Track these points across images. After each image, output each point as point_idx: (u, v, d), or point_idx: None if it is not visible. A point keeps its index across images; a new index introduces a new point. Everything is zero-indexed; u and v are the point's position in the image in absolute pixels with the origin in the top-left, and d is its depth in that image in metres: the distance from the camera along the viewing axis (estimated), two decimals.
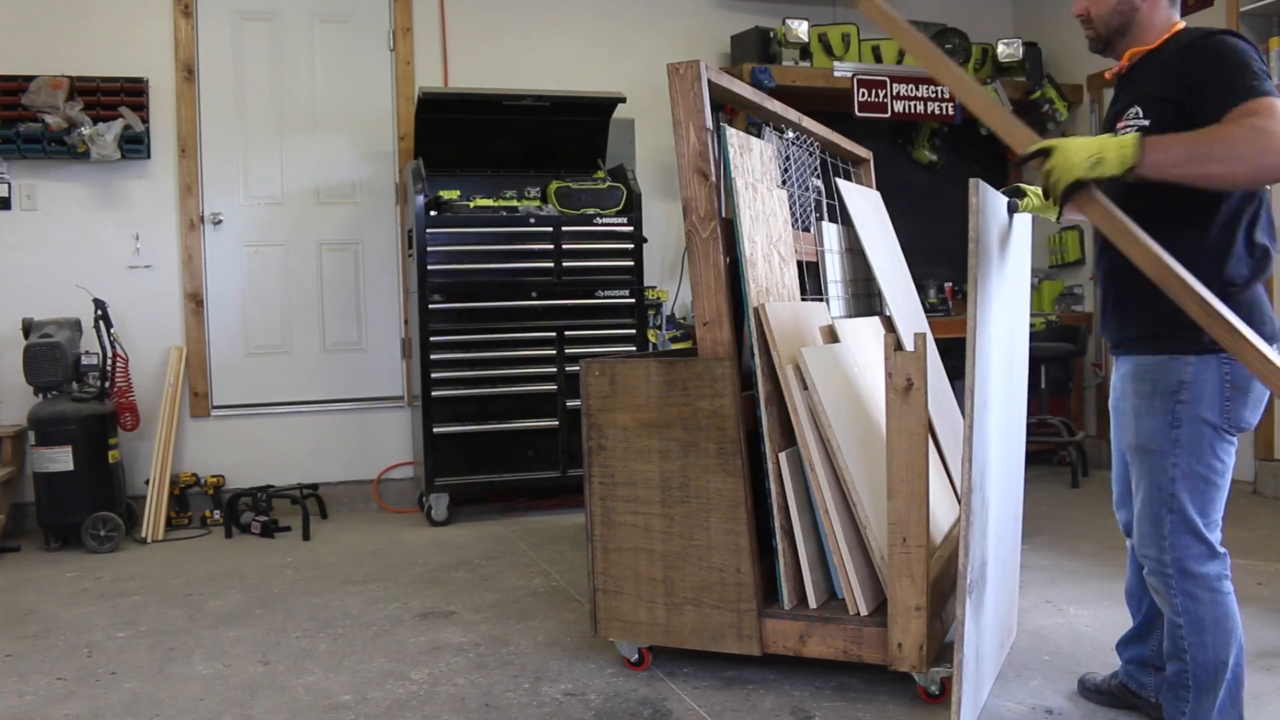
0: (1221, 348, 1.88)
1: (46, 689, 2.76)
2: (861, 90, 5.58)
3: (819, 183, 3.46)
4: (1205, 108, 1.94)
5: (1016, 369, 2.72)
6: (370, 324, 5.37)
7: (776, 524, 2.59)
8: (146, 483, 4.71)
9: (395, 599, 3.54)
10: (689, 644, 2.67)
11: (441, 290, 4.69)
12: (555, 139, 5.15)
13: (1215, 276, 1.97)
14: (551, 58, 5.57)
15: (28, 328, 4.51)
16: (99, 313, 4.60)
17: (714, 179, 2.61)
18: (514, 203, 4.89)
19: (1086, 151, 1.88)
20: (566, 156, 5.21)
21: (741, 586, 2.58)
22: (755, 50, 5.56)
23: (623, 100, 5.07)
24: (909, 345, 2.39)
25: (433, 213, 4.69)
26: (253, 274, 5.20)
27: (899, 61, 5.83)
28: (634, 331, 4.93)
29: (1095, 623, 3.07)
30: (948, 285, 6.05)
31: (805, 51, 5.62)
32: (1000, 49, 5.93)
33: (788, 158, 3.30)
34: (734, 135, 2.75)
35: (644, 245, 4.97)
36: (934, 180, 6.22)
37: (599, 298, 4.89)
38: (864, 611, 2.54)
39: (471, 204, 4.81)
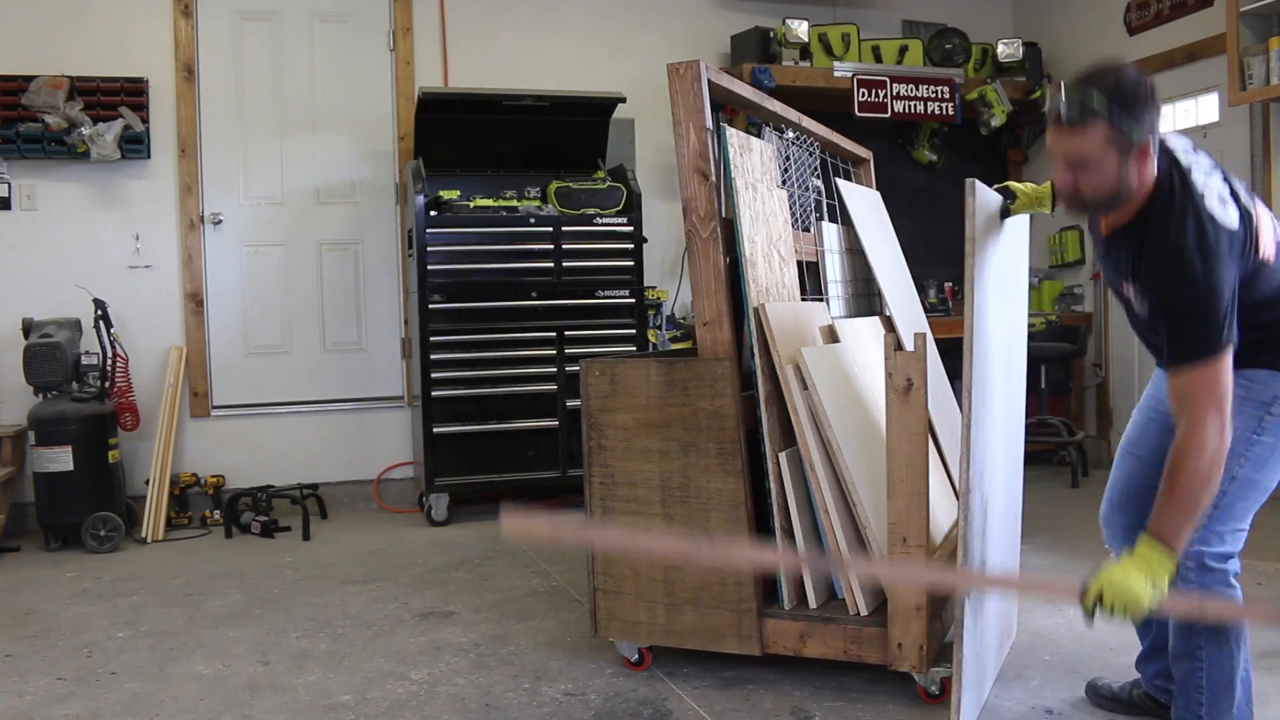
0: None
1: (46, 689, 2.76)
2: (861, 90, 5.58)
3: (819, 183, 3.46)
4: (1166, 343, 2.00)
5: (1015, 368, 2.72)
6: (370, 324, 5.37)
7: (776, 524, 2.59)
8: (146, 483, 4.71)
9: (395, 599, 3.54)
10: (689, 644, 2.67)
11: (441, 290, 4.69)
12: (555, 139, 5.15)
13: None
14: (551, 58, 5.57)
15: (28, 328, 4.51)
16: (99, 313, 4.59)
17: (714, 179, 2.61)
18: (514, 203, 4.89)
19: (1143, 589, 1.90)
20: (566, 156, 5.21)
21: (741, 586, 2.58)
22: (755, 50, 5.56)
23: (623, 100, 5.07)
24: (909, 345, 2.39)
25: (433, 213, 4.69)
26: (253, 274, 5.20)
27: (899, 61, 5.83)
28: (634, 331, 4.93)
29: (1095, 623, 3.07)
30: (948, 285, 6.05)
31: (805, 51, 5.62)
32: (1000, 49, 5.93)
33: (788, 158, 3.30)
34: (734, 135, 2.75)
35: (644, 245, 4.97)
36: (934, 180, 6.22)
37: (599, 298, 4.88)
38: (864, 612, 2.54)
39: (471, 204, 4.81)
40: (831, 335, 2.97)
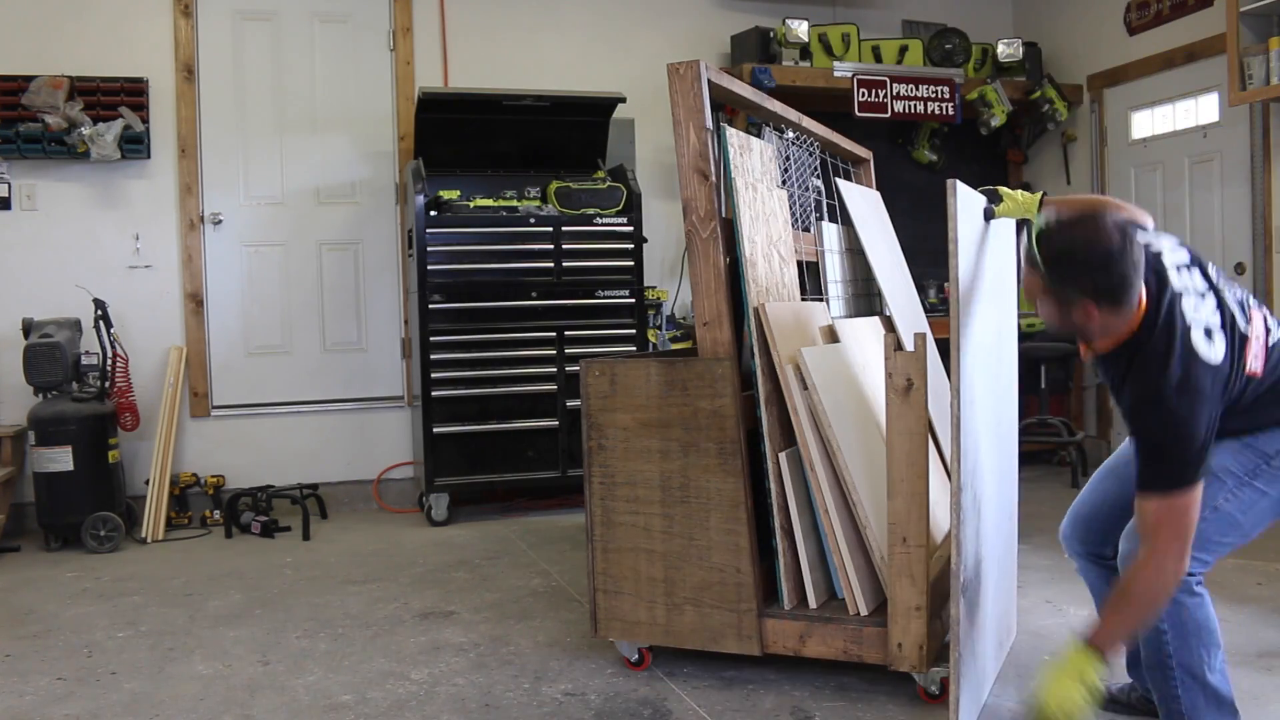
0: None
1: (46, 689, 2.76)
2: (861, 90, 5.58)
3: (819, 183, 3.46)
4: (1136, 466, 2.04)
5: (1005, 368, 2.72)
6: (370, 324, 5.37)
7: (776, 524, 2.59)
8: (146, 483, 4.71)
9: (395, 599, 3.54)
10: (689, 644, 2.67)
11: (441, 290, 4.69)
12: (555, 139, 5.15)
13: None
14: (551, 57, 5.57)
15: (28, 328, 4.51)
16: (99, 313, 4.59)
17: (714, 179, 2.61)
18: (514, 203, 4.89)
19: (1079, 697, 1.98)
20: (566, 156, 5.21)
21: (741, 586, 2.58)
22: (755, 50, 5.56)
23: (623, 100, 5.07)
24: (909, 345, 2.39)
25: (433, 213, 4.69)
26: (253, 274, 5.20)
27: (899, 61, 5.83)
28: (634, 331, 4.93)
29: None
30: (947, 285, 6.03)
31: (805, 51, 5.62)
32: (1000, 49, 5.93)
33: (788, 158, 3.30)
34: (734, 135, 2.75)
35: (644, 245, 4.97)
36: (934, 180, 6.20)
37: (599, 298, 4.88)
38: (864, 611, 2.54)
39: (471, 204, 4.81)
40: (831, 335, 2.97)
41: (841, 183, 3.40)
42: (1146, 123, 5.60)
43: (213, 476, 4.91)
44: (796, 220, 3.22)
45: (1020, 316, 6.01)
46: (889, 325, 3.36)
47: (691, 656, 2.80)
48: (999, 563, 2.62)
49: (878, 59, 5.79)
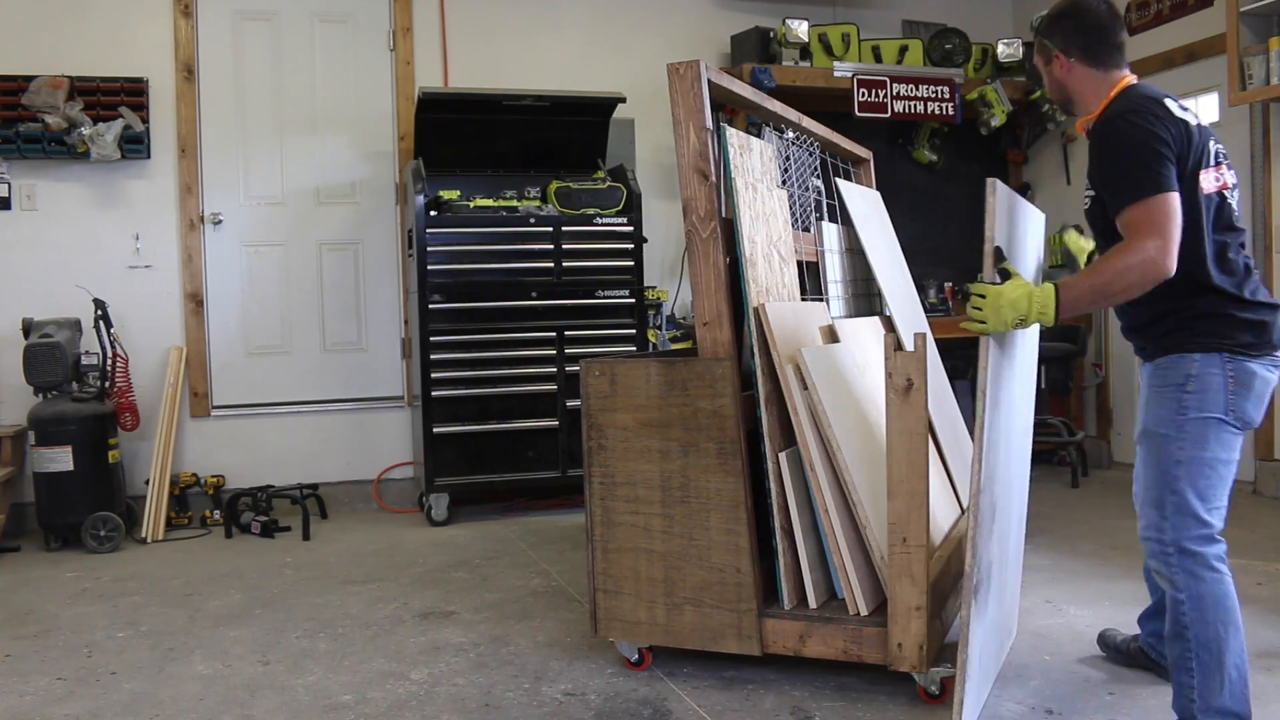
0: (1225, 348, 2.17)
1: (46, 689, 2.76)
2: (861, 90, 5.58)
3: (819, 183, 3.46)
4: (1109, 203, 2.20)
5: (1028, 371, 2.74)
6: (370, 324, 5.37)
7: (776, 524, 2.59)
8: (146, 483, 4.71)
9: (395, 599, 3.54)
10: (689, 644, 2.67)
11: (441, 290, 4.69)
12: (555, 139, 5.15)
13: (1204, 287, 2.21)
14: (551, 58, 5.57)
15: (28, 328, 4.51)
16: (99, 313, 4.60)
17: (714, 179, 2.61)
18: (514, 203, 4.89)
19: (1015, 313, 2.12)
20: (566, 156, 5.21)
21: (741, 586, 2.58)
22: (755, 50, 5.56)
23: (623, 100, 5.07)
24: (909, 345, 2.39)
25: (433, 213, 4.69)
26: (253, 274, 5.20)
27: (899, 61, 5.83)
28: (634, 331, 4.93)
29: (1095, 622, 3.07)
30: (948, 285, 6.04)
31: (805, 51, 5.62)
32: (1000, 49, 5.93)
33: (788, 158, 3.30)
34: (734, 135, 2.75)
35: (644, 245, 4.97)
36: (934, 180, 6.22)
37: (599, 298, 4.89)
38: (864, 611, 2.54)
39: (471, 204, 4.81)
40: (831, 335, 2.97)
41: (841, 183, 3.40)
42: None
43: (213, 476, 4.91)
44: (796, 220, 3.22)
45: None
46: (889, 325, 3.36)
47: (691, 656, 2.80)
48: (1007, 564, 2.63)
49: (878, 59, 5.79)
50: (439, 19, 5.42)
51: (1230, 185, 2.27)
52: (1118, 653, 2.73)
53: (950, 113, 5.75)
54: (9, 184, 4.80)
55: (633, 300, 4.93)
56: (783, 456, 2.60)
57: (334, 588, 3.71)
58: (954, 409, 3.63)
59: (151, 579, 3.89)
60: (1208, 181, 2.22)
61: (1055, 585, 3.47)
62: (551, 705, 2.57)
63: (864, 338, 3.12)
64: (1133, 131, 2.16)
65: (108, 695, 2.70)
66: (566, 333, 4.83)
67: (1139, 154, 2.13)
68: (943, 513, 3.03)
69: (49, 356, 4.41)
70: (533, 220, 4.81)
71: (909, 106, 5.68)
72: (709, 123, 2.61)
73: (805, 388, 2.59)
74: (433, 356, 4.68)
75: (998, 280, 2.17)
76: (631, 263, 4.92)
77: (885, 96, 5.62)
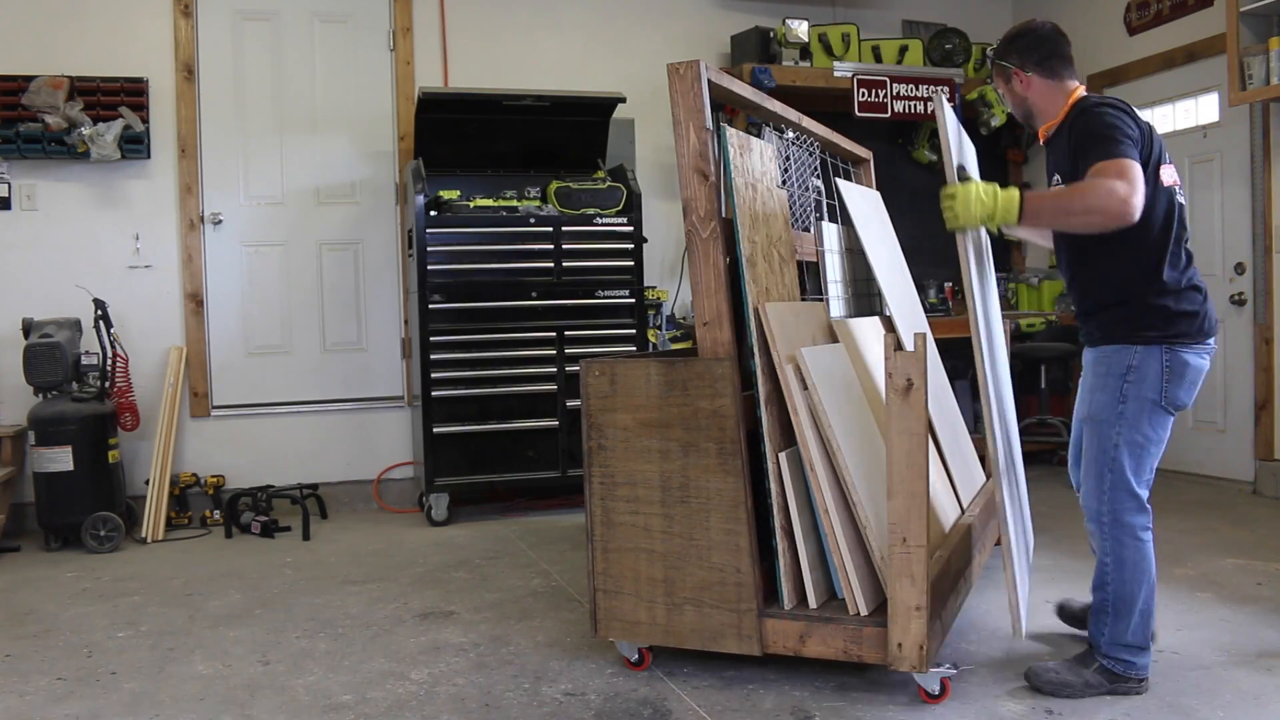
0: (1164, 340, 2.47)
1: (46, 689, 2.76)
2: (861, 90, 5.58)
3: (819, 183, 3.46)
4: (1080, 164, 2.44)
5: (1002, 357, 2.96)
6: (370, 324, 5.37)
7: (776, 524, 2.59)
8: (146, 483, 4.71)
9: (395, 599, 3.54)
10: (689, 644, 2.67)
11: (441, 290, 4.69)
12: (555, 139, 5.15)
13: (1152, 281, 2.50)
14: (551, 58, 5.57)
15: (28, 328, 4.51)
16: (99, 313, 4.60)
17: (714, 179, 2.61)
18: (514, 203, 4.89)
19: (983, 208, 2.41)
20: (566, 156, 5.21)
21: (741, 586, 2.58)
22: (755, 50, 5.56)
23: (623, 100, 5.07)
24: (909, 345, 2.39)
25: (433, 213, 4.69)
26: (253, 274, 5.20)
27: (899, 61, 5.83)
28: (634, 331, 4.93)
29: None
30: (948, 285, 6.05)
31: (805, 51, 5.62)
32: None
33: (788, 158, 3.30)
34: (734, 135, 2.75)
35: (644, 245, 4.97)
36: (934, 180, 6.21)
37: (599, 298, 4.89)
38: (864, 611, 2.54)
39: (471, 204, 4.81)
40: (831, 335, 2.97)
41: (841, 183, 3.40)
42: None
43: (213, 476, 4.91)
44: (796, 220, 3.22)
45: (1020, 317, 6.03)
46: (889, 325, 3.36)
47: (691, 656, 2.80)
48: (1025, 547, 2.84)
49: (878, 59, 5.79)
50: (439, 19, 5.42)
51: (1180, 184, 2.56)
52: (1074, 619, 2.95)
53: None
54: (9, 184, 4.80)
55: (633, 300, 4.93)
56: (783, 456, 2.60)
57: (334, 588, 3.71)
58: (954, 409, 3.64)
59: (151, 579, 3.90)
60: (1167, 175, 2.51)
61: (1055, 585, 3.47)
62: (551, 705, 2.57)
63: (864, 338, 3.12)
64: (1108, 118, 2.43)
65: (108, 695, 2.70)
66: (566, 333, 4.83)
67: (1112, 132, 2.40)
68: (943, 513, 3.03)
69: (49, 356, 4.41)
70: (533, 220, 4.81)
71: (909, 106, 5.68)
72: (709, 123, 2.61)
73: (805, 388, 2.59)
74: (433, 356, 4.68)
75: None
76: (631, 263, 4.92)
77: (885, 96, 5.63)
